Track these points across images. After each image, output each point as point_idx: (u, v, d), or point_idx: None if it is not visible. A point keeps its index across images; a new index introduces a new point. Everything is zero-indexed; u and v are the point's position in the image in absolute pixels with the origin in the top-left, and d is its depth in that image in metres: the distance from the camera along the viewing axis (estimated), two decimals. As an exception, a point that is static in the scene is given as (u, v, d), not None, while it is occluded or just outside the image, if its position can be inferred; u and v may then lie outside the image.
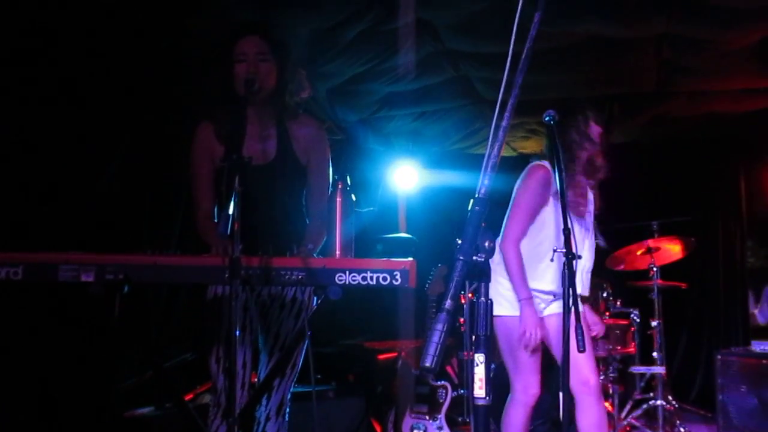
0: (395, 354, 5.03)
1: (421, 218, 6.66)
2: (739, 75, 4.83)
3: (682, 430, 4.84)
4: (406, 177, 6.61)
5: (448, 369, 4.84)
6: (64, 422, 3.67)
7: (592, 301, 3.43)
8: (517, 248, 3.19)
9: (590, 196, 3.39)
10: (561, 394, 2.63)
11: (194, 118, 2.82)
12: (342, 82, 4.79)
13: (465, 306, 4.28)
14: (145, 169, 4.26)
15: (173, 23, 3.74)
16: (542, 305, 3.24)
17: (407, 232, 6.37)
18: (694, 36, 4.25)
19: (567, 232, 2.71)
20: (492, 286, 1.77)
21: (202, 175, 2.76)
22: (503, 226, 3.26)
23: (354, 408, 4.70)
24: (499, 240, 3.21)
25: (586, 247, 3.30)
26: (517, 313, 3.15)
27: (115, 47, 3.75)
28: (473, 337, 1.68)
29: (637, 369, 5.08)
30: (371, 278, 2.21)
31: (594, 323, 3.51)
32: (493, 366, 4.28)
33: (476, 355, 1.64)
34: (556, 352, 3.20)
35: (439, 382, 4.29)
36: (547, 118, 2.84)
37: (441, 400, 4.24)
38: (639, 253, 5.09)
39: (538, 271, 3.21)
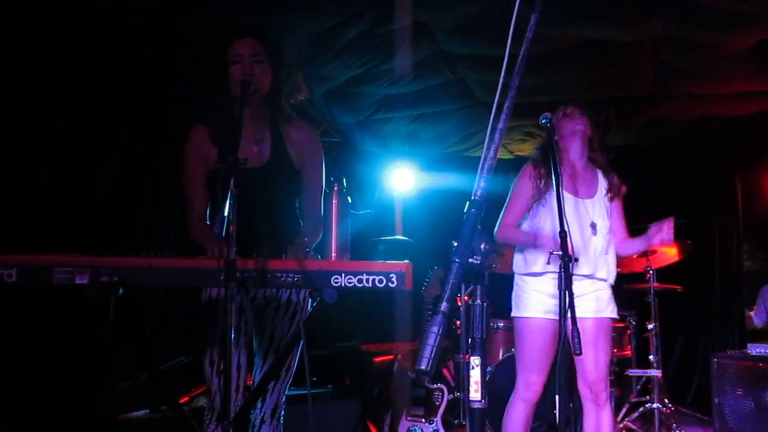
0: (391, 357, 5.01)
1: (418, 221, 6.65)
2: (736, 78, 4.82)
3: (678, 433, 4.85)
4: (402, 179, 6.61)
5: (445, 372, 4.82)
6: (58, 425, 3.65)
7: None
8: (509, 227, 3.33)
9: (600, 176, 3.44)
10: (557, 397, 2.63)
11: (188, 120, 2.81)
12: (339, 84, 4.78)
13: (461, 309, 4.28)
14: (141, 171, 4.25)
15: (170, 25, 3.73)
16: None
17: (404, 235, 6.37)
18: (691, 39, 4.25)
19: (563, 235, 2.71)
20: None
21: (195, 177, 2.75)
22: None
23: (350, 411, 4.70)
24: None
25: (598, 226, 3.33)
26: (521, 314, 3.31)
27: (110, 49, 3.74)
28: (469, 339, 1.68)
29: (634, 372, 5.08)
30: (367, 281, 2.20)
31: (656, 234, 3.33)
32: (489, 369, 4.28)
33: (472, 358, 1.64)
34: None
35: (435, 385, 4.29)
36: (543, 121, 2.86)
37: (437, 403, 4.24)
38: (635, 255, 5.08)
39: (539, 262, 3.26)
